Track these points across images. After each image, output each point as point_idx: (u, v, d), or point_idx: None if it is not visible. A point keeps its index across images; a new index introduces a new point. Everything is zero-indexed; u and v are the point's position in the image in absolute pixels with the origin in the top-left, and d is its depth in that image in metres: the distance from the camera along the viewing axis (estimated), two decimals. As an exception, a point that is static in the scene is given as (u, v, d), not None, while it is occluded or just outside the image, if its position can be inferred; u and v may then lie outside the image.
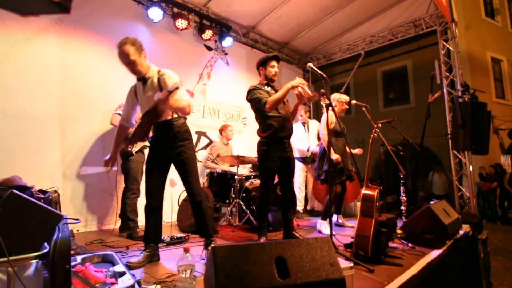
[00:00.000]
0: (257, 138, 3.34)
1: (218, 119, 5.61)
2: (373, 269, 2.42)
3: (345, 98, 4.10)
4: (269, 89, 3.31)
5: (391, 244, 3.07)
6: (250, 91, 3.23)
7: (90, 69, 4.17)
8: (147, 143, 3.65)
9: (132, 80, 4.09)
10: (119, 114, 3.53)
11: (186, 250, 1.72)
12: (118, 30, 4.45)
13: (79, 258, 2.55)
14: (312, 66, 3.04)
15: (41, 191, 3.03)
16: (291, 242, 1.57)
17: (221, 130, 5.12)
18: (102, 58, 4.28)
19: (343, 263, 1.97)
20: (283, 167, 3.24)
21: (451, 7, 4.94)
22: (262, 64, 3.37)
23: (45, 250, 1.69)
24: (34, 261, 1.76)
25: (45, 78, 3.81)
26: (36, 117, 3.71)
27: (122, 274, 2.15)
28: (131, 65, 2.79)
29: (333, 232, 2.86)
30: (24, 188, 2.60)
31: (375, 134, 2.97)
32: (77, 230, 3.89)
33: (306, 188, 5.51)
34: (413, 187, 4.23)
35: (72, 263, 2.41)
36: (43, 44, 3.80)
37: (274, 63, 3.36)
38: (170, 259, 2.73)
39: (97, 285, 1.91)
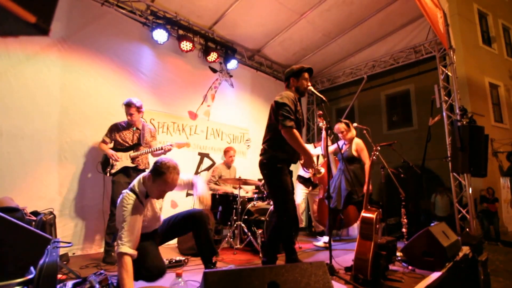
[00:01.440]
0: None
1: (221, 141, 5.68)
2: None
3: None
4: (298, 105, 3.04)
5: (391, 267, 3.07)
6: (286, 100, 2.86)
7: (92, 90, 4.16)
8: (129, 164, 3.70)
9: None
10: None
11: (178, 275, 1.76)
12: (123, 51, 4.52)
13: (70, 283, 2.41)
14: (313, 89, 3.13)
15: (33, 213, 3.01)
16: (285, 267, 1.60)
17: (225, 152, 5.21)
18: (105, 79, 4.29)
19: (340, 287, 2.01)
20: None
21: (448, 34, 5.11)
22: (295, 75, 3.09)
23: (31, 276, 1.63)
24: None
25: (45, 98, 3.78)
26: (34, 137, 3.68)
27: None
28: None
29: (333, 254, 2.89)
30: (14, 210, 2.59)
31: (374, 157, 3.04)
32: (73, 253, 3.82)
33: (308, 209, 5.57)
34: (415, 209, 4.25)
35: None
36: (44, 64, 3.79)
37: (308, 76, 3.12)
38: (166, 284, 2.72)
39: None
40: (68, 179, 3.92)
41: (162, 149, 3.70)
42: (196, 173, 5.28)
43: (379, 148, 3.05)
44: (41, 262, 1.68)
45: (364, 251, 2.72)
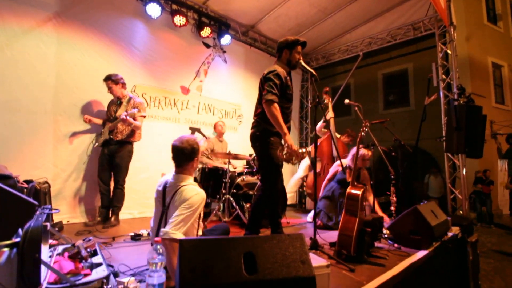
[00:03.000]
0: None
1: (213, 116, 5.61)
2: (354, 269, 2.41)
3: None
4: (289, 79, 3.04)
5: (377, 244, 3.07)
6: (272, 76, 2.86)
7: (86, 65, 4.18)
8: (107, 136, 3.84)
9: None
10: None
11: (157, 242, 1.71)
12: (117, 25, 4.49)
13: (60, 248, 2.54)
14: (303, 63, 3.02)
15: (26, 181, 3.05)
16: (262, 238, 1.56)
17: (214, 127, 5.18)
18: (99, 53, 4.30)
19: (320, 261, 1.96)
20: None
21: (450, 10, 4.91)
22: (289, 46, 3.01)
23: (18, 239, 1.64)
24: (6, 250, 1.74)
25: (41, 71, 3.83)
26: (29, 109, 3.73)
27: (98, 265, 2.15)
28: None
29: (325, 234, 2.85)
30: (7, 177, 2.62)
31: (363, 133, 2.95)
32: (67, 221, 3.92)
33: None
34: (406, 189, 4.21)
35: (54, 253, 2.43)
36: (40, 37, 3.82)
37: (301, 49, 3.05)
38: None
39: (68, 275, 1.89)
40: (63, 150, 4.01)
41: (121, 119, 3.72)
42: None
43: (368, 124, 2.96)
44: (26, 226, 1.69)
45: (348, 227, 2.69)
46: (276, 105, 2.77)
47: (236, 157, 4.51)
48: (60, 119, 3.96)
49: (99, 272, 1.99)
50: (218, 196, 4.43)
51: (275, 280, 1.41)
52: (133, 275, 2.08)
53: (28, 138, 3.74)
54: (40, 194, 3.35)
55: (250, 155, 4.95)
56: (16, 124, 3.64)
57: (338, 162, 4.43)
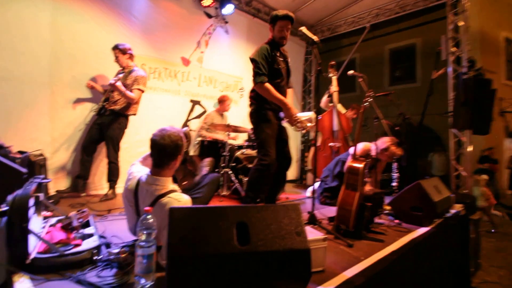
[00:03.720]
0: None
1: (214, 89, 5.46)
2: (353, 244, 2.35)
3: None
4: (277, 54, 2.99)
5: (377, 220, 3.01)
6: (255, 56, 2.87)
7: (83, 33, 3.99)
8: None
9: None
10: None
11: (147, 212, 1.64)
12: None
13: (54, 220, 2.51)
14: (305, 29, 2.85)
15: (21, 152, 2.99)
16: (256, 208, 1.49)
17: (220, 101, 5.02)
18: (95, 22, 4.11)
19: (316, 235, 1.90)
20: (280, 136, 3.07)
21: (463, -22, 4.63)
22: (271, 21, 2.95)
23: (6, 208, 1.63)
24: None
25: (36, 40, 3.66)
26: (25, 80, 3.61)
27: (90, 236, 2.11)
28: None
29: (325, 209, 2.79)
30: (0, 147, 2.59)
31: (366, 104, 2.81)
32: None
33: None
34: (409, 165, 4.11)
35: (47, 224, 2.40)
36: (34, 4, 3.63)
37: (284, 24, 2.89)
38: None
39: (57, 245, 1.86)
40: (60, 123, 3.91)
41: (110, 84, 3.61)
42: (187, 120, 5.14)
43: (372, 93, 2.81)
44: (14, 194, 1.67)
45: (348, 201, 2.62)
46: (267, 84, 2.82)
47: (236, 129, 4.43)
48: (57, 90, 3.84)
49: (90, 243, 1.95)
50: (216, 170, 4.37)
51: (268, 252, 1.35)
52: (124, 246, 2.03)
53: (24, 109, 3.63)
54: (35, 166, 3.29)
55: (251, 128, 4.85)
56: (10, 95, 3.52)
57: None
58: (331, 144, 4.78)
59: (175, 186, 1.88)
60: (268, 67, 2.87)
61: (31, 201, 2.33)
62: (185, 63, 5.07)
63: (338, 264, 1.99)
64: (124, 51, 3.75)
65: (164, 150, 1.82)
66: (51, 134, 3.83)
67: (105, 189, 3.91)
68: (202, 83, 5.30)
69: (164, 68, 4.81)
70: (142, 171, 2.00)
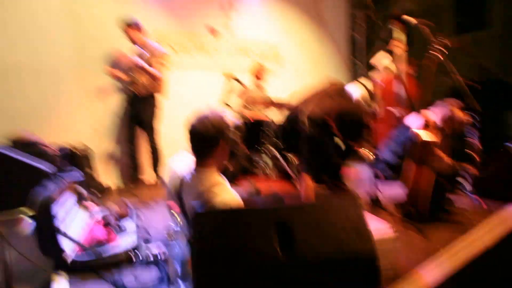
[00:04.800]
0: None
1: (249, 59, 4.98)
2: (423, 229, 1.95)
3: None
4: None
5: (454, 198, 2.53)
6: None
7: (101, 14, 3.81)
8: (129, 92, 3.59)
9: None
10: None
11: (170, 207, 1.43)
12: None
13: (99, 212, 2.47)
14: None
15: (60, 148, 3.02)
16: (301, 206, 1.17)
17: (255, 72, 4.57)
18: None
19: (384, 230, 1.54)
20: None
21: None
22: None
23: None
24: (27, 219, 1.66)
25: (55, 29, 3.57)
26: (55, 72, 3.56)
27: (130, 232, 2.00)
28: None
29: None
30: (31, 144, 2.59)
31: (435, 55, 2.25)
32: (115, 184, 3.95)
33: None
34: (491, 131, 3.40)
35: (89, 218, 2.35)
36: None
37: None
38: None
39: (95, 246, 1.77)
40: (98, 113, 3.85)
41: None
42: (222, 97, 4.79)
43: (443, 41, 2.26)
44: (41, 197, 1.66)
45: (419, 179, 2.18)
46: None
47: (281, 105, 4.05)
48: (87, 78, 3.74)
49: (128, 242, 1.85)
50: (263, 151, 4.07)
51: (320, 262, 1.04)
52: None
53: (60, 102, 3.60)
54: (79, 159, 3.32)
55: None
56: (43, 90, 3.49)
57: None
58: (390, 108, 4.21)
59: (221, 179, 1.59)
60: None
61: (73, 197, 2.31)
62: (212, 33, 4.69)
63: (410, 259, 1.63)
64: (139, 27, 3.50)
65: (203, 137, 1.54)
66: (91, 124, 3.80)
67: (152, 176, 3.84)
68: (234, 54, 4.89)
69: (189, 41, 4.49)
70: (185, 165, 1.74)
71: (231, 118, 2.00)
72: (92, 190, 3.27)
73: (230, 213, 1.18)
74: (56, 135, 3.45)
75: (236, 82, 4.39)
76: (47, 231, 1.53)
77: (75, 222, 2.11)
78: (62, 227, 1.75)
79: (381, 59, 4.58)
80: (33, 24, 3.44)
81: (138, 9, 4.05)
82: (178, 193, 1.63)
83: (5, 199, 1.73)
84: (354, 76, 6.51)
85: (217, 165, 1.61)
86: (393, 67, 4.28)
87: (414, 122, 3.60)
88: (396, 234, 1.52)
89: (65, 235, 1.63)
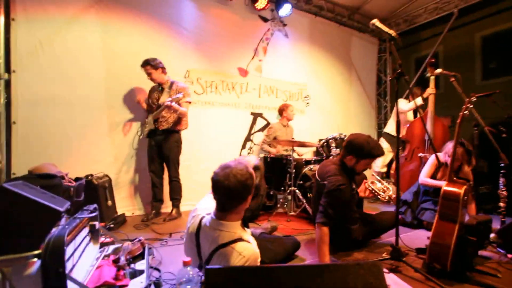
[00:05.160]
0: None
1: (276, 98, 5.12)
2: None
3: None
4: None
5: (481, 253, 2.37)
6: None
7: (134, 50, 3.94)
8: (152, 126, 3.63)
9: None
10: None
11: (187, 264, 1.37)
12: (162, 6, 4.16)
13: (111, 248, 2.43)
14: (378, 23, 2.34)
15: (78, 178, 3.02)
16: (320, 268, 1.10)
17: (281, 110, 4.67)
18: (145, 38, 4.06)
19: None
20: None
21: None
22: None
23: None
24: (36, 260, 1.61)
25: (89, 63, 3.72)
26: (83, 103, 3.66)
27: (141, 272, 1.94)
28: None
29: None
30: (51, 176, 2.58)
31: (466, 111, 2.21)
32: (132, 213, 3.95)
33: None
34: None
35: (102, 254, 2.31)
36: (84, 27, 3.68)
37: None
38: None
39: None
40: (120, 143, 3.94)
41: (165, 106, 3.47)
42: (249, 134, 4.90)
43: (474, 99, 2.21)
44: (49, 235, 1.57)
45: (443, 235, 2.07)
46: None
47: (302, 144, 4.04)
48: (114, 110, 3.86)
49: (136, 285, 1.77)
50: (282, 188, 4.03)
51: None
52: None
53: (84, 133, 3.69)
54: (98, 189, 3.34)
55: (320, 141, 4.44)
56: (69, 121, 3.59)
57: (433, 157, 3.67)
58: (421, 154, 4.18)
59: (243, 233, 1.55)
60: None
61: (85, 231, 2.29)
62: (242, 74, 4.83)
63: None
64: (156, 66, 3.59)
65: (230, 192, 1.47)
66: (113, 154, 3.88)
67: (169, 208, 3.84)
68: (262, 94, 5.01)
69: (221, 81, 4.62)
70: (208, 208, 1.71)
71: (255, 161, 1.98)
72: (107, 223, 3.28)
73: (245, 271, 1.13)
74: (77, 164, 3.56)
75: (262, 119, 4.45)
76: (53, 275, 1.45)
77: (85, 259, 2.05)
78: (69, 265, 1.71)
79: (406, 103, 4.63)
80: (70, 56, 3.59)
81: (171, 48, 4.23)
82: (196, 235, 1.59)
83: (14, 240, 1.63)
84: (380, 116, 6.49)
85: (240, 217, 1.59)
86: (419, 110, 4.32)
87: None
88: None
89: (72, 279, 1.57)
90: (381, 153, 2.39)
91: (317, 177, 2.58)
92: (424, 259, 2.19)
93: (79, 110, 3.64)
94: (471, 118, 2.75)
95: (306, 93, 5.44)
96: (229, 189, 1.45)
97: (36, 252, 1.57)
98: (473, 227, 2.18)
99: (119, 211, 3.73)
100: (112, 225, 3.28)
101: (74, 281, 1.58)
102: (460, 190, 2.03)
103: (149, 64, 3.56)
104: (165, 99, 3.56)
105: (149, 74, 3.60)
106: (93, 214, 2.09)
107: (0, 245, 1.60)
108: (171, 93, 3.63)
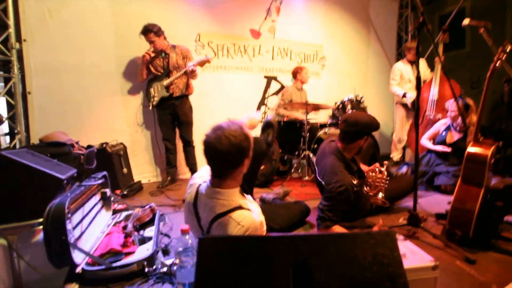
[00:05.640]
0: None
1: (290, 61, 4.87)
2: (475, 260, 1.70)
3: None
4: None
5: (507, 219, 2.22)
6: None
7: (143, 15, 3.78)
8: (165, 93, 3.53)
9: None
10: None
11: (185, 232, 1.31)
12: None
13: (123, 215, 2.45)
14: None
15: (88, 146, 3.02)
16: (324, 238, 1.00)
17: (295, 73, 4.45)
18: (154, 2, 3.90)
19: (422, 259, 1.33)
20: None
21: None
22: None
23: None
24: (41, 227, 1.60)
25: (100, 30, 3.62)
26: (95, 71, 3.63)
27: (150, 239, 1.93)
28: None
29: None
30: (60, 144, 2.57)
31: (497, 63, 1.97)
32: (148, 180, 4.00)
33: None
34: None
35: (114, 221, 2.32)
36: None
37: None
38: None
39: (107, 255, 1.69)
40: (132, 110, 3.91)
41: (185, 72, 3.44)
42: (263, 98, 4.74)
43: (508, 48, 1.97)
44: (50, 204, 1.54)
45: (466, 199, 1.93)
46: None
47: (317, 107, 3.87)
48: (125, 76, 3.81)
49: (143, 251, 1.75)
50: (297, 153, 3.93)
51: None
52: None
53: (97, 101, 3.68)
54: (113, 156, 3.36)
55: (336, 103, 4.25)
56: (81, 89, 3.58)
57: (443, 120, 3.49)
58: (428, 113, 4.05)
59: (243, 201, 1.45)
60: None
61: (96, 198, 2.29)
62: (255, 36, 4.58)
63: None
64: (158, 33, 3.42)
65: (223, 157, 1.35)
66: (127, 122, 3.87)
67: (187, 174, 3.86)
68: (276, 56, 4.77)
69: (232, 44, 4.41)
70: (204, 176, 1.62)
71: (257, 117, 1.86)
72: (123, 190, 3.30)
73: (240, 241, 1.04)
74: (93, 132, 3.58)
75: (276, 83, 4.26)
76: (55, 243, 1.45)
77: (95, 226, 2.07)
78: (77, 233, 1.70)
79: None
80: (79, 23, 3.52)
81: (181, 11, 4.06)
82: (194, 205, 1.52)
83: (18, 208, 1.68)
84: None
85: (238, 183, 1.48)
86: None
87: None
88: (436, 264, 1.30)
89: (75, 247, 1.55)
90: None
91: (315, 166, 2.41)
92: (444, 225, 2.07)
93: (90, 78, 3.61)
94: (499, 74, 2.49)
95: (321, 55, 5.14)
96: (222, 154, 1.33)
97: (41, 220, 1.58)
98: (499, 191, 2.02)
99: (136, 178, 3.79)
100: (127, 192, 3.32)
101: (79, 249, 1.57)
102: (487, 151, 1.86)
103: (152, 32, 3.39)
104: (178, 62, 3.51)
105: (151, 42, 3.44)
106: (99, 182, 2.06)
107: (3, 213, 1.65)
108: (177, 57, 3.53)
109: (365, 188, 2.23)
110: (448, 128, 3.36)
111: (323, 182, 2.18)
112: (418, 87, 2.05)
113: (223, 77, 4.36)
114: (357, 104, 4.06)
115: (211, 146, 1.35)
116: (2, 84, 3.56)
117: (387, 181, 2.16)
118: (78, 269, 1.54)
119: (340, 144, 2.29)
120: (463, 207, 1.92)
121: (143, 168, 4.00)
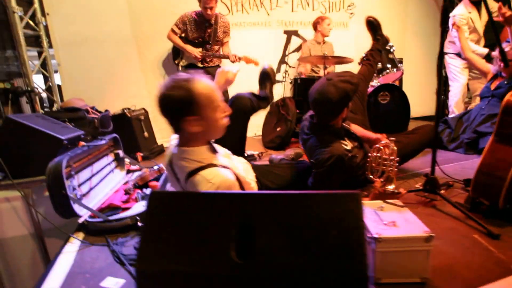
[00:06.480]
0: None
1: (313, 11, 4.42)
2: (499, 234, 1.47)
3: None
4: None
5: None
6: None
7: None
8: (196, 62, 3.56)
9: None
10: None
11: (153, 187, 1.31)
12: None
13: (135, 175, 2.52)
14: None
15: (106, 110, 3.22)
16: (283, 197, 0.90)
17: (315, 24, 4.07)
18: None
19: (415, 229, 1.18)
20: None
21: None
22: None
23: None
24: None
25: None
26: (112, 38, 3.72)
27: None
28: None
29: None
30: (75, 110, 2.81)
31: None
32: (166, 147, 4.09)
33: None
34: None
35: (125, 180, 2.42)
36: None
37: None
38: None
39: (106, 210, 1.89)
40: (151, 75, 3.98)
41: (229, 58, 3.49)
42: (283, 56, 4.48)
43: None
44: (51, 162, 1.68)
45: (498, 162, 1.62)
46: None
47: (339, 61, 3.59)
48: (142, 44, 3.87)
49: (138, 207, 1.87)
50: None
51: (286, 278, 0.80)
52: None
53: (117, 68, 3.80)
54: (132, 121, 3.44)
55: (362, 57, 3.88)
56: (102, 55, 3.69)
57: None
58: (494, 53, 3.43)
59: (214, 158, 1.39)
60: None
61: (109, 158, 2.38)
62: None
63: (469, 269, 1.24)
64: None
65: (166, 106, 1.32)
66: (147, 88, 3.94)
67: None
68: (296, 8, 4.38)
69: None
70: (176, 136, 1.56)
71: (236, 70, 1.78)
72: (144, 153, 3.39)
73: (184, 197, 1.02)
74: (118, 100, 3.71)
75: (297, 38, 3.98)
76: (56, 196, 1.61)
77: (106, 183, 2.19)
78: (85, 188, 1.88)
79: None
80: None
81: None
82: (171, 166, 1.48)
83: (28, 165, 1.95)
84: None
85: (204, 142, 1.41)
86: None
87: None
88: (429, 235, 1.14)
89: (75, 200, 1.67)
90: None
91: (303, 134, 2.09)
92: (467, 196, 1.80)
93: (109, 47, 3.74)
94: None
95: (349, 1, 4.58)
96: (165, 101, 1.32)
97: (43, 177, 1.72)
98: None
99: (159, 142, 3.86)
100: (148, 155, 3.41)
101: (79, 203, 1.71)
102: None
103: None
104: (219, 36, 3.52)
105: (211, 9, 3.28)
106: (102, 142, 2.15)
107: (17, 170, 1.92)
108: (219, 31, 3.50)
109: (370, 176, 1.73)
110: (495, 77, 2.94)
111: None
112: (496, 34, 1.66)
113: (238, 35, 4.11)
114: (386, 54, 3.65)
115: (158, 98, 1.34)
116: (37, 62, 3.78)
117: (397, 163, 1.68)
118: (81, 220, 1.71)
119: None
120: (493, 171, 1.62)
121: (166, 132, 4.03)
